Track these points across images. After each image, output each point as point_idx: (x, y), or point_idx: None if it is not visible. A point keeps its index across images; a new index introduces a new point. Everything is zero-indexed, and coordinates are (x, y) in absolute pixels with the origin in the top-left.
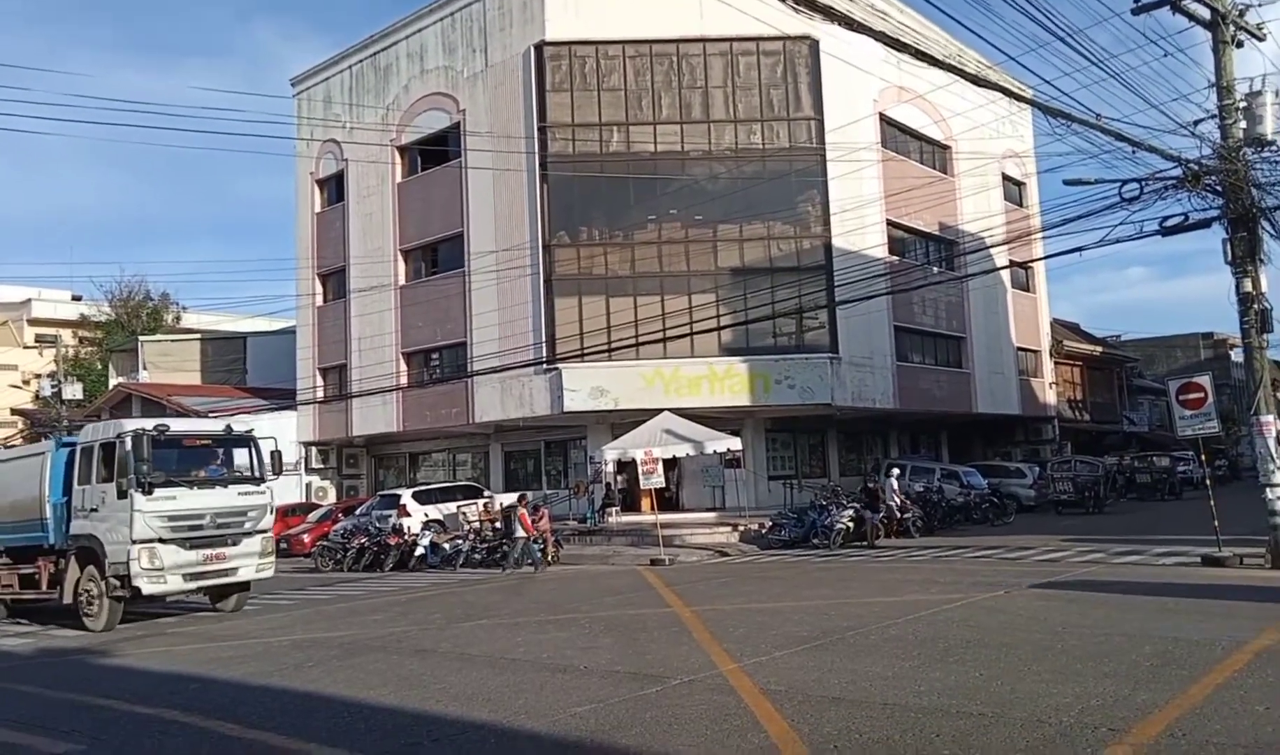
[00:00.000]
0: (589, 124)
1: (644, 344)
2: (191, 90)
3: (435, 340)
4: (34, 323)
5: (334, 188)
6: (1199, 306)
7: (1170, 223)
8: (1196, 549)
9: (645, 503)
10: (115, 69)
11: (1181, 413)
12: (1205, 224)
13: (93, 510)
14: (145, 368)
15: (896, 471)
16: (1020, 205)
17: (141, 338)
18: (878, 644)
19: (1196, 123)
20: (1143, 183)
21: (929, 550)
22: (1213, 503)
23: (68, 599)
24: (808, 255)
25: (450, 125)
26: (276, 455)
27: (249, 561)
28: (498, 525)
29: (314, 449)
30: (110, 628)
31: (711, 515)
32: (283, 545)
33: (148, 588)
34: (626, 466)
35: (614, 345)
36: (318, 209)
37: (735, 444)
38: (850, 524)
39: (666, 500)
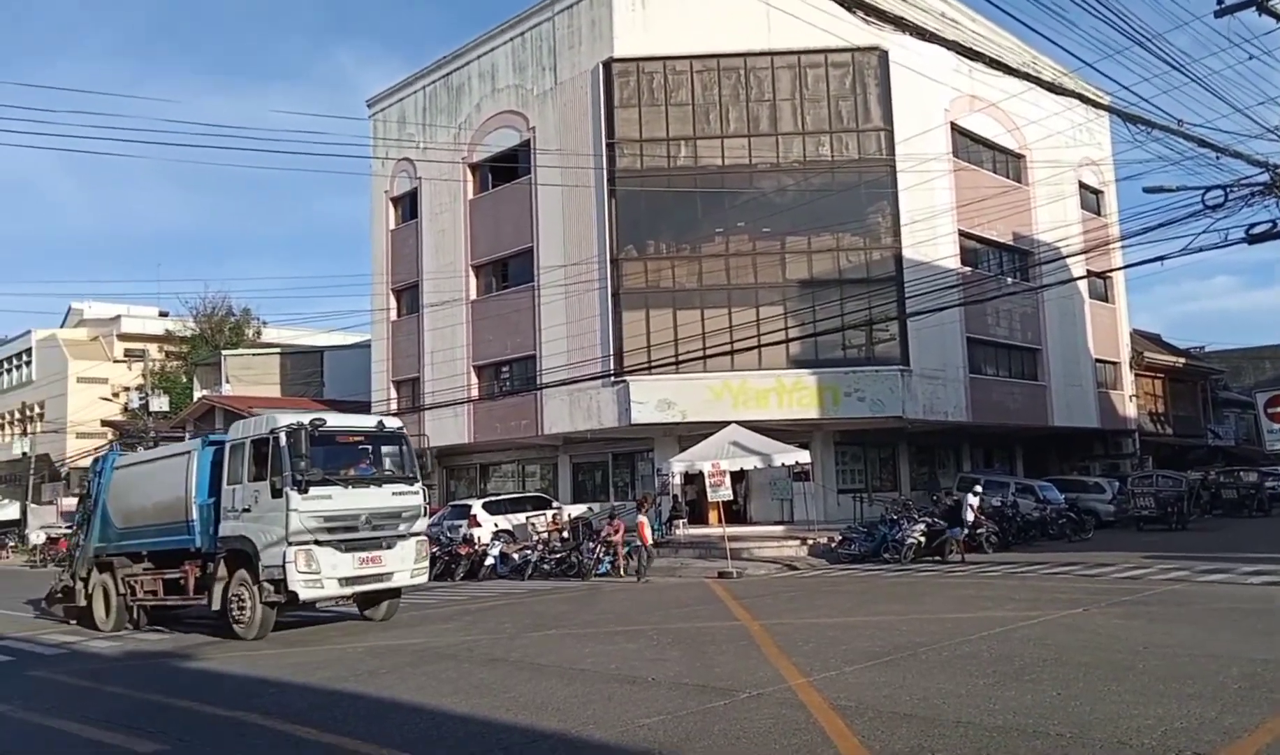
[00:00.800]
0: (657, 139)
1: (711, 356)
2: (273, 115)
3: (505, 353)
4: (123, 338)
5: (408, 205)
6: None
7: (1257, 230)
8: None
9: (713, 515)
10: (201, 94)
11: (1270, 426)
12: None
13: (244, 511)
14: (228, 381)
15: (979, 488)
16: (1098, 214)
17: (224, 352)
18: (950, 660)
19: None
20: (1227, 189)
21: (1003, 566)
22: None
23: (216, 605)
24: (877, 266)
25: (520, 142)
26: (428, 453)
27: (404, 566)
28: (565, 536)
29: None
30: (263, 635)
31: (780, 529)
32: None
33: (305, 593)
34: (694, 479)
35: (681, 358)
36: (392, 226)
37: (804, 456)
38: (922, 538)
39: (734, 513)
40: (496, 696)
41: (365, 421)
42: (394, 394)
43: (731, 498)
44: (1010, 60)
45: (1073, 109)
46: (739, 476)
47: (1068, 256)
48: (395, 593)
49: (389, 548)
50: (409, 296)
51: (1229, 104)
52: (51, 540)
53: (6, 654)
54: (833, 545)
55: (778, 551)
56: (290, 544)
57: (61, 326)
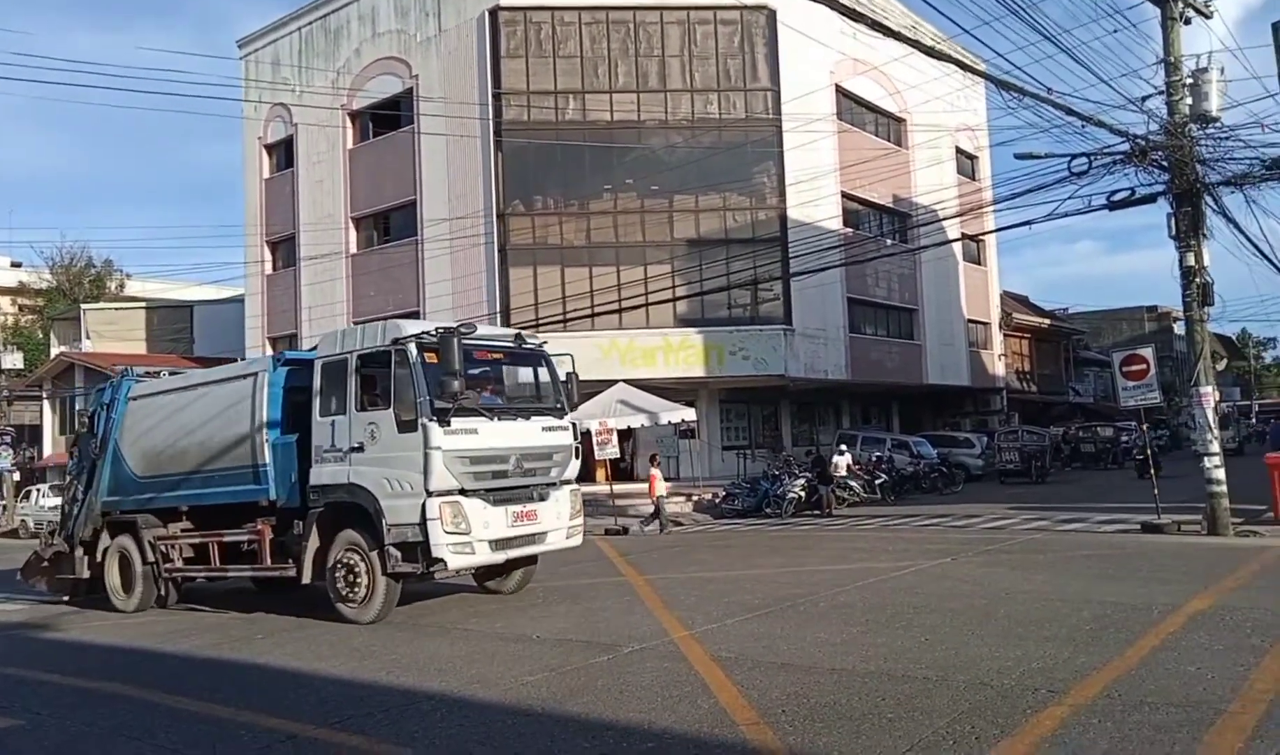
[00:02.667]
0: (544, 91)
1: (599, 315)
2: (141, 52)
3: (387, 309)
4: None
5: (283, 153)
6: (1144, 280)
7: (1117, 197)
8: (1137, 517)
9: (600, 473)
10: (65, 30)
11: (1125, 384)
12: (1151, 199)
13: (352, 451)
14: (89, 337)
15: (844, 448)
16: (973, 178)
17: (84, 306)
18: (827, 611)
19: (1145, 99)
20: (1091, 157)
21: (879, 519)
22: (1152, 472)
23: (307, 576)
24: (763, 226)
25: (403, 91)
26: (574, 379)
27: (559, 523)
28: None
29: None
30: (384, 615)
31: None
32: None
33: (454, 561)
34: (581, 437)
35: (569, 316)
36: (266, 175)
37: (690, 414)
38: (802, 493)
39: (621, 471)
40: (377, 658)
41: (502, 334)
42: (270, 351)
43: (619, 456)
44: (893, 24)
45: (951, 74)
46: (626, 435)
47: (944, 219)
48: (532, 559)
49: (541, 499)
50: (285, 249)
51: (1096, 75)
52: None
53: None
54: (717, 501)
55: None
56: (432, 494)
57: None
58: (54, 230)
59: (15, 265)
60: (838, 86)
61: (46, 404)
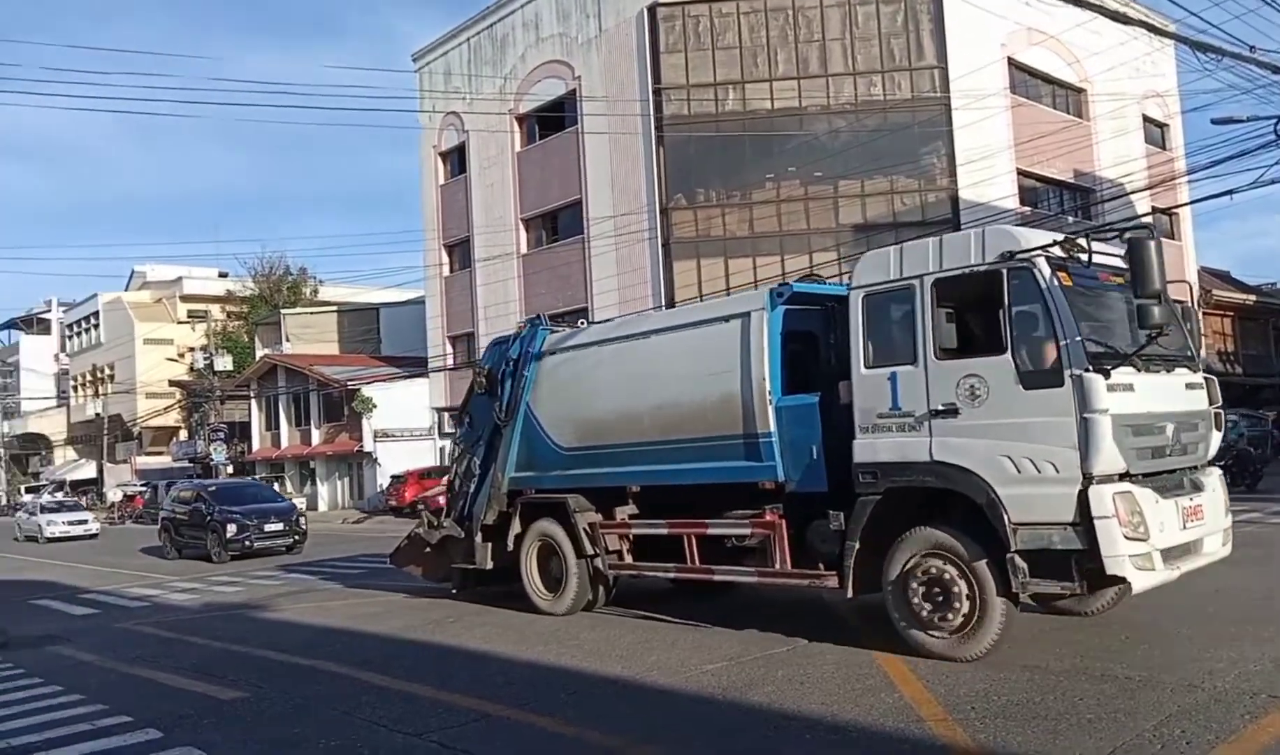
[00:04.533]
0: (704, 84)
1: None
2: (323, 70)
3: (557, 307)
4: (185, 299)
5: (456, 159)
6: None
7: None
8: None
9: None
10: (248, 52)
11: None
12: None
13: (935, 414)
14: (288, 339)
15: None
16: (1163, 148)
17: (283, 311)
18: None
19: None
20: None
21: None
22: None
23: (852, 590)
24: (933, 209)
25: (566, 92)
26: (1194, 316)
27: (1217, 525)
28: None
29: (446, 414)
30: (992, 650)
31: None
32: (419, 506)
33: (1140, 581)
34: None
35: None
36: (442, 181)
37: None
38: None
39: None
40: (562, 643)
41: (1117, 250)
42: (450, 349)
43: None
44: None
45: (1137, 39)
46: None
47: (1131, 193)
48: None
49: (1198, 489)
50: (461, 251)
51: None
52: (128, 497)
53: (92, 607)
54: None
55: None
56: (1093, 480)
57: (126, 289)
58: (255, 242)
59: (223, 275)
60: (1010, 59)
61: (253, 402)
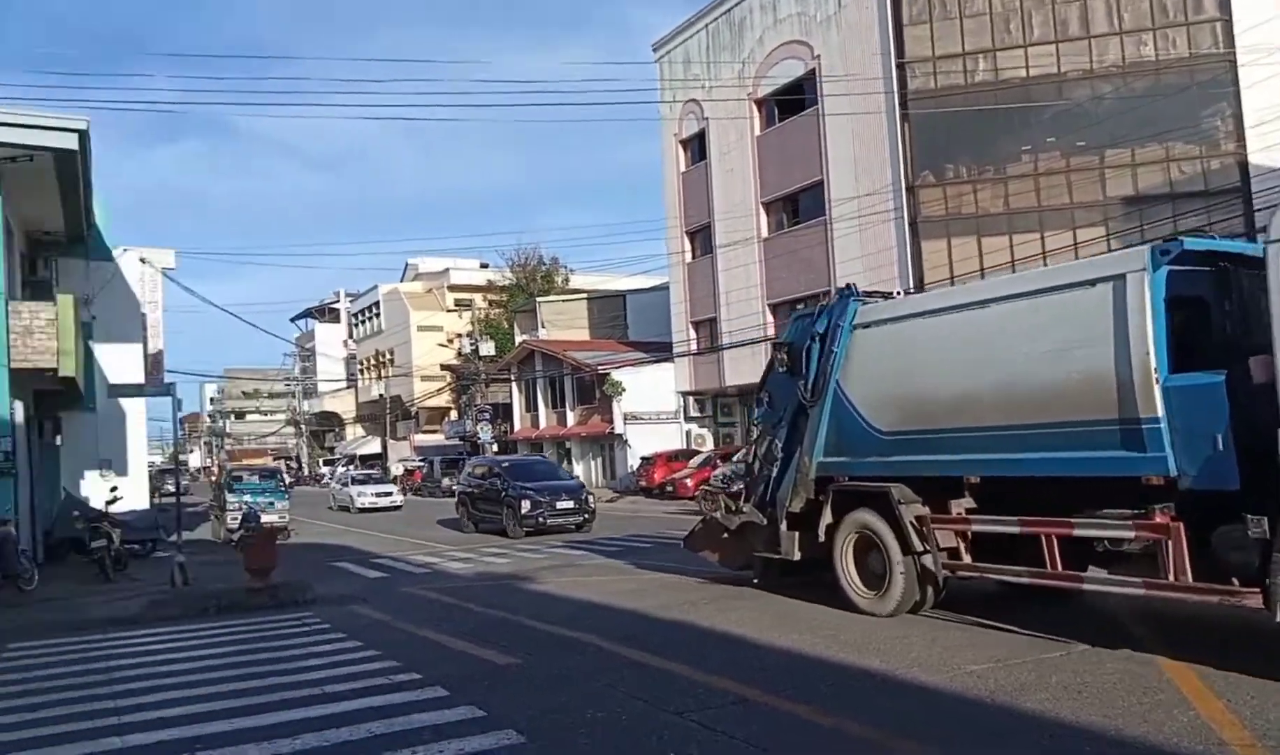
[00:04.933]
0: (952, 55)
1: None
2: (571, 67)
3: (799, 290)
4: (452, 288)
5: (696, 147)
6: None
7: None
8: None
9: None
10: (503, 52)
11: None
12: None
13: None
14: (543, 326)
15: None
16: None
17: (538, 299)
18: None
19: None
20: None
21: None
22: None
23: None
24: (1218, 177)
25: (806, 73)
26: None
27: None
28: None
29: (691, 398)
30: None
31: None
32: (668, 488)
33: None
34: None
35: None
36: (683, 168)
37: None
38: None
39: None
40: (816, 632)
41: None
42: (693, 335)
43: None
44: None
45: None
46: None
47: None
48: None
49: None
50: (702, 237)
51: None
52: (408, 472)
53: (382, 571)
54: None
55: None
56: None
57: (401, 280)
58: (512, 234)
59: (484, 266)
60: None
61: (514, 385)
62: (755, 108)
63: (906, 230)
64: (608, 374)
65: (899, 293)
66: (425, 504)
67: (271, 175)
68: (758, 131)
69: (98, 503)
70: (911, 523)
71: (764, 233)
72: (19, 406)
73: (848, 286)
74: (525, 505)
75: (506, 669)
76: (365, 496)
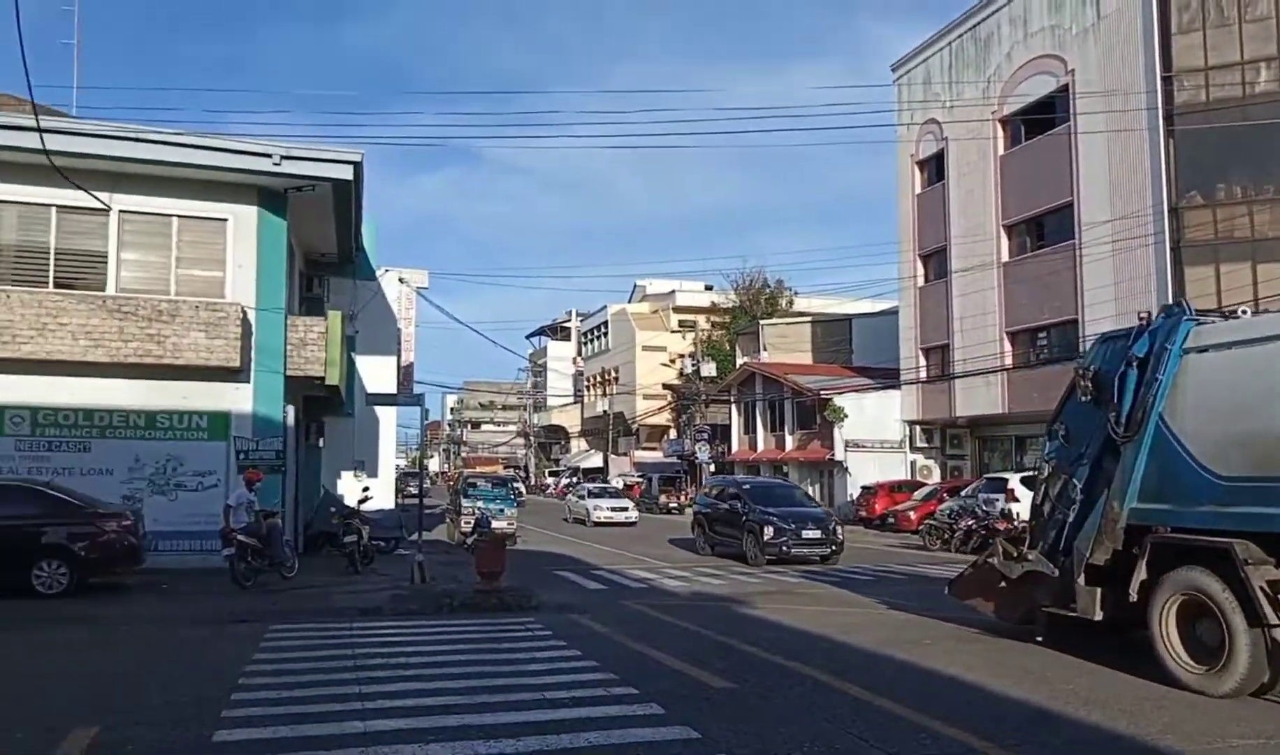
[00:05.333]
0: (1227, 65)
1: None
2: (802, 90)
3: (1041, 318)
4: (677, 310)
5: (934, 167)
6: None
7: None
8: None
9: None
10: (732, 78)
11: None
12: None
13: None
14: (765, 349)
15: None
16: None
17: (761, 321)
18: None
19: None
20: None
21: None
22: None
23: None
24: None
25: (1057, 89)
26: None
27: None
28: None
29: (917, 428)
30: None
31: None
32: (890, 520)
33: None
34: None
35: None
36: (918, 190)
37: None
38: None
39: None
40: (1052, 686)
41: None
42: (923, 361)
43: None
44: None
45: None
46: None
47: None
48: None
49: None
50: (936, 261)
51: None
52: (627, 486)
53: (601, 582)
54: None
55: None
56: None
57: (629, 301)
58: (737, 257)
59: (708, 288)
60: None
61: (733, 406)
62: (999, 126)
63: (1167, 255)
64: (830, 399)
65: (1244, 311)
66: (648, 521)
67: (513, 199)
68: (1001, 151)
69: (350, 501)
70: (1262, 588)
71: (1004, 257)
72: (290, 410)
73: (1178, 303)
74: (768, 532)
75: (721, 692)
76: (601, 510)
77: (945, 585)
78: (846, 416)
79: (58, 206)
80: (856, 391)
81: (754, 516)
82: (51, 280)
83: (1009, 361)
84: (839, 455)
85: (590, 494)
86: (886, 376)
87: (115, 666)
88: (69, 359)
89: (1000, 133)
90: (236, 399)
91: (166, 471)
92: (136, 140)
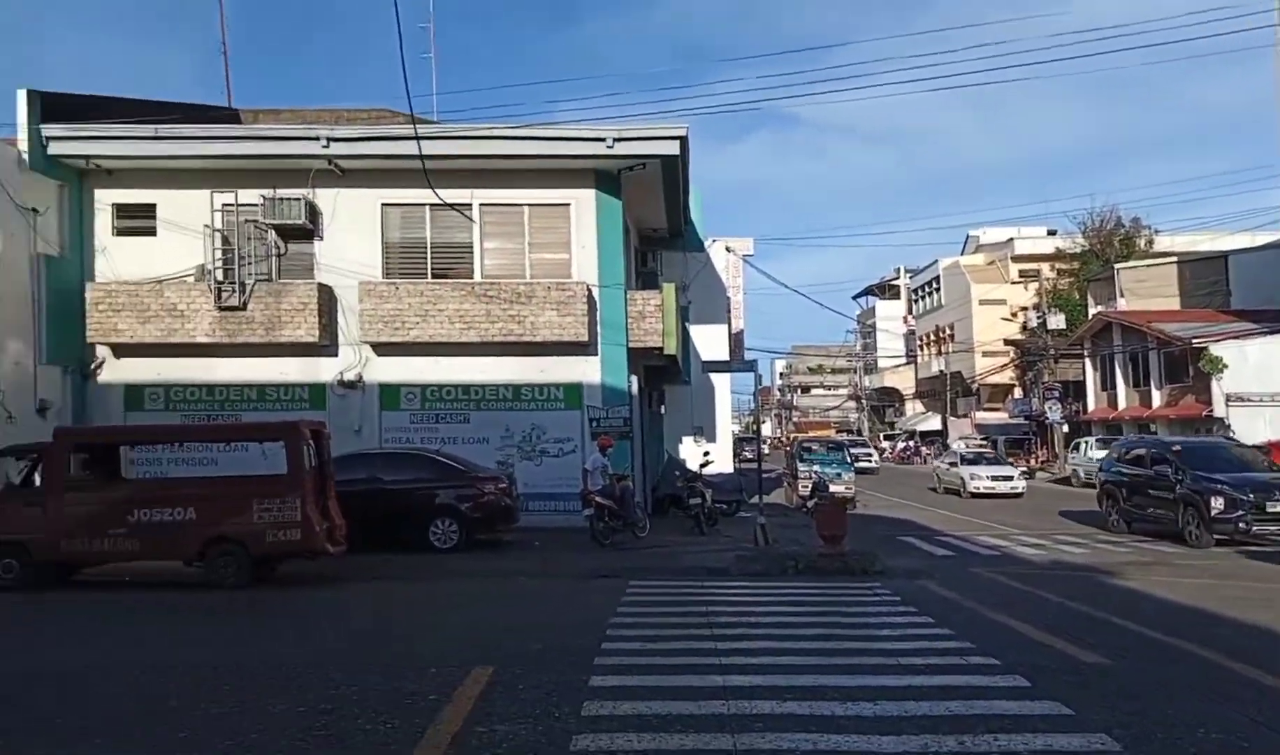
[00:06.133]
0: None
1: None
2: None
3: None
4: (1016, 259)
5: None
6: None
7: None
8: None
9: None
10: None
11: None
12: None
13: None
14: (1122, 295)
15: None
16: None
17: (1117, 266)
18: None
19: None
20: None
21: None
22: None
23: None
24: None
25: None
26: None
27: None
28: None
29: None
30: None
31: None
32: None
33: None
34: None
35: None
36: None
37: None
38: None
39: None
40: None
41: None
42: None
43: None
44: None
45: None
46: None
47: None
48: None
49: None
50: None
51: None
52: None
53: (948, 549)
54: None
55: None
56: None
57: (961, 254)
58: (1083, 196)
59: (1051, 233)
60: None
61: (1087, 361)
62: None
63: None
64: (1204, 348)
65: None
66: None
67: (832, 157)
68: None
69: (692, 465)
70: None
71: None
72: (634, 380)
73: None
74: (1217, 504)
75: (1093, 668)
76: (980, 480)
77: None
78: (1226, 367)
79: (430, 205)
80: (1238, 338)
81: (1192, 485)
82: (429, 271)
83: None
84: (1219, 411)
85: (964, 461)
86: (1274, 319)
87: (501, 615)
88: (447, 340)
89: None
90: (586, 371)
91: (532, 439)
92: (493, 137)
